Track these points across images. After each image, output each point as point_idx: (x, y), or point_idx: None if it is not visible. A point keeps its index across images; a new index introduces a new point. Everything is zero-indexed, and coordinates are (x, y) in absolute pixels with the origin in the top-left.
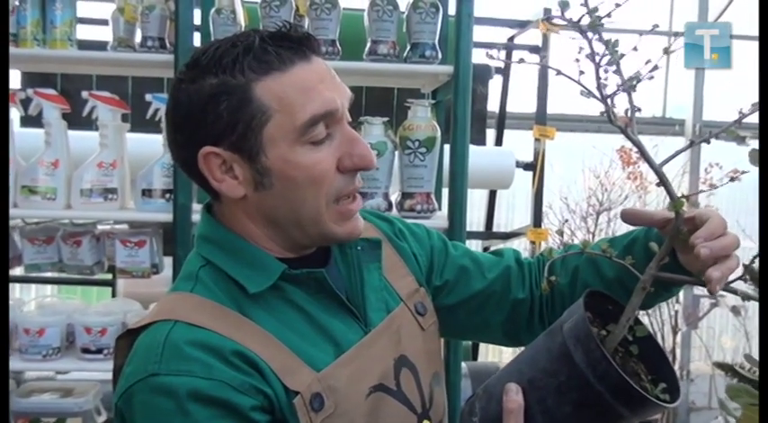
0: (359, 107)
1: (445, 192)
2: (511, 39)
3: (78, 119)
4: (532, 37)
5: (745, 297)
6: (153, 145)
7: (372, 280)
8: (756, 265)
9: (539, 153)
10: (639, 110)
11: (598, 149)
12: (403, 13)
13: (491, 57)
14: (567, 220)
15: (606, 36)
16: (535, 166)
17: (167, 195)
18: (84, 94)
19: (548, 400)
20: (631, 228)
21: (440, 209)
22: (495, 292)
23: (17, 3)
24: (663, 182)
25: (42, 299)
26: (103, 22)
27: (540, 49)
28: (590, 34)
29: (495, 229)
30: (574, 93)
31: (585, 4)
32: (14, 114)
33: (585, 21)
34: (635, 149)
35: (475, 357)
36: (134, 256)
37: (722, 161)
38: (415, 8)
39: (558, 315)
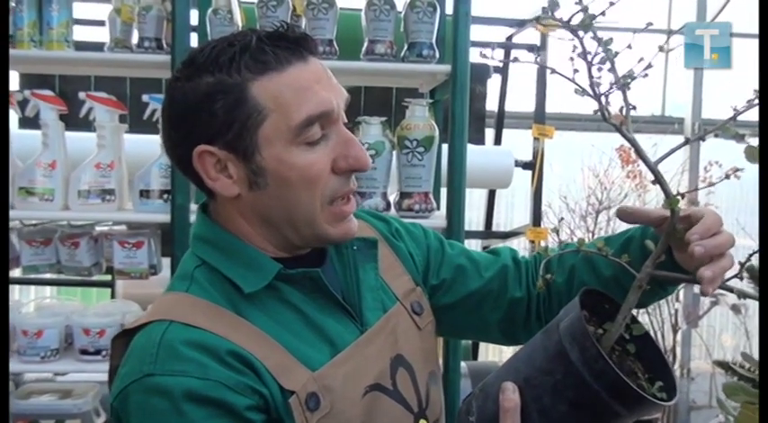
0: (357, 107)
1: (444, 191)
2: (509, 38)
3: (76, 120)
4: (531, 36)
5: (741, 295)
6: (150, 146)
7: (368, 279)
8: (756, 262)
9: (538, 152)
10: (634, 108)
11: (597, 148)
12: (400, 12)
13: (484, 56)
14: (562, 219)
15: (605, 36)
16: (534, 166)
17: (165, 196)
18: (82, 94)
19: (544, 398)
20: (630, 226)
21: (438, 208)
22: (492, 291)
23: (14, 4)
24: (658, 179)
25: (41, 300)
26: (100, 23)
27: (538, 49)
28: (581, 33)
29: (494, 228)
30: (572, 92)
31: (579, 2)
32: (13, 116)
33: (580, 19)
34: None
35: (475, 357)
36: (132, 257)
37: (722, 159)
38: (413, 7)
39: (555, 314)
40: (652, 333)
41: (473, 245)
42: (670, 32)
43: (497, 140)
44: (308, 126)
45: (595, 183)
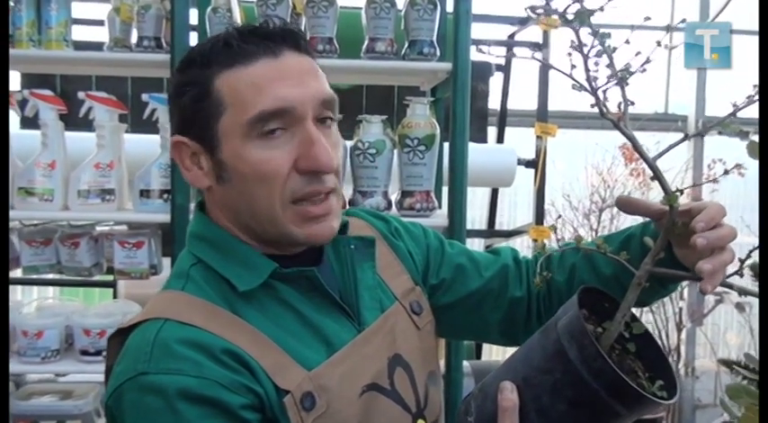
0: (359, 106)
1: (445, 190)
2: (511, 36)
3: (76, 120)
4: (533, 34)
5: (742, 292)
6: (150, 145)
7: (366, 278)
8: (756, 259)
9: (540, 150)
10: (632, 103)
11: (600, 146)
12: (400, 10)
13: (481, 52)
14: (560, 216)
15: (606, 32)
16: (537, 164)
17: (165, 196)
18: (81, 94)
19: (543, 398)
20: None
21: (440, 207)
22: (493, 291)
23: (12, 3)
24: (657, 175)
25: (42, 301)
26: (100, 23)
27: (540, 46)
28: (577, 24)
29: (497, 227)
30: (574, 89)
31: None
32: (13, 116)
33: (575, 10)
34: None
35: (478, 356)
36: (132, 257)
37: (726, 157)
38: (413, 5)
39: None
40: (656, 331)
41: (476, 244)
42: (669, 28)
43: (500, 139)
44: (261, 122)
45: (599, 181)
